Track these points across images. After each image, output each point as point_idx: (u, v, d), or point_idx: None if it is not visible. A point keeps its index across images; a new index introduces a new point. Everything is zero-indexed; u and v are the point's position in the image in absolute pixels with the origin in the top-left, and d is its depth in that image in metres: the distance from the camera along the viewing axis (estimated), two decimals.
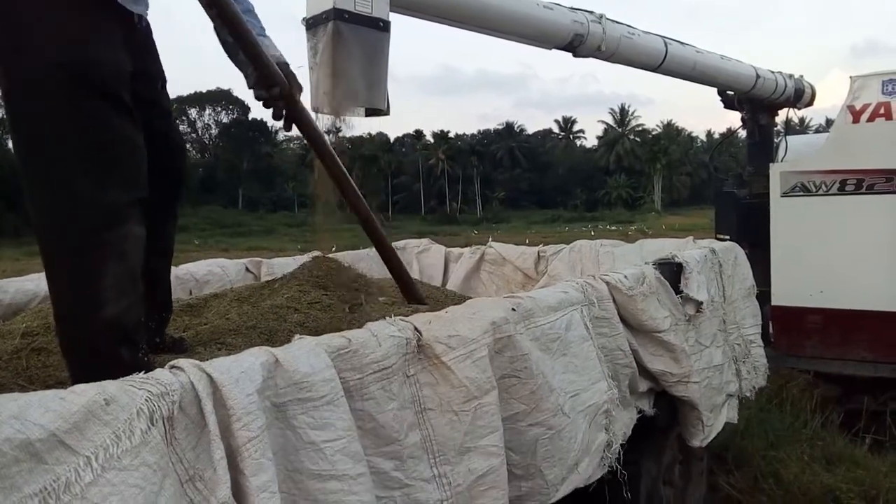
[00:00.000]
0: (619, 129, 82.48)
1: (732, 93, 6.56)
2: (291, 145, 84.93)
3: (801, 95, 6.34)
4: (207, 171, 74.09)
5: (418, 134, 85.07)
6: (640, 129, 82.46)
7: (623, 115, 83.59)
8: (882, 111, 5.13)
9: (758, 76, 5.58)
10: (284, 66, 2.21)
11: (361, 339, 1.58)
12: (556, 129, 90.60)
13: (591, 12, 3.95)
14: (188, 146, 78.12)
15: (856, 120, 5.23)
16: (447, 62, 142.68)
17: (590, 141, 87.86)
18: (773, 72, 5.86)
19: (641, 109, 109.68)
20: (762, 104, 6.30)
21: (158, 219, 1.99)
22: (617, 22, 4.15)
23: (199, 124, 78.47)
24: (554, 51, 3.93)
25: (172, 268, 3.90)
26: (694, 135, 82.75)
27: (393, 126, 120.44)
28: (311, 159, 2.60)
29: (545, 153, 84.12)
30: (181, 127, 77.36)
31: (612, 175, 76.83)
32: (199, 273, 3.73)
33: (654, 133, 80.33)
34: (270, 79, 2.12)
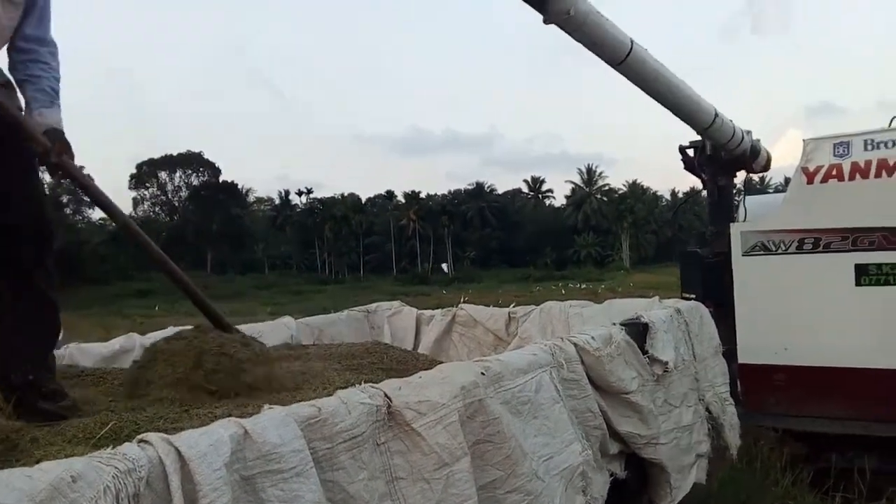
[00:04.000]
0: (587, 189, 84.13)
1: (692, 152, 6.80)
2: (262, 207, 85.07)
3: (757, 154, 6.58)
4: (176, 233, 73.43)
5: (389, 194, 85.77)
6: (607, 188, 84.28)
7: (590, 174, 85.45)
8: (835, 173, 5.32)
9: (717, 114, 5.76)
10: (53, 132, 2.38)
11: (331, 407, 1.58)
12: (525, 189, 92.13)
13: None
14: (157, 209, 77.76)
15: (810, 181, 5.41)
16: (416, 123, 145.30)
17: (558, 200, 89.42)
18: (731, 121, 6.08)
19: (607, 169, 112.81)
20: (721, 163, 6.52)
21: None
22: None
23: (169, 187, 78.18)
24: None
25: (137, 337, 3.86)
26: (658, 194, 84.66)
27: (364, 186, 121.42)
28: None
29: (515, 212, 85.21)
30: (150, 190, 77.30)
31: (581, 234, 77.97)
32: None
33: (619, 192, 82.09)
34: (38, 146, 2.33)
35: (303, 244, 79.48)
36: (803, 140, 5.55)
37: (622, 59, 4.69)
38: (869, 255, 5.10)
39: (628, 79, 4.97)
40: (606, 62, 4.73)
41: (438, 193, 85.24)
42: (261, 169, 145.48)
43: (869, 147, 5.20)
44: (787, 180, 5.72)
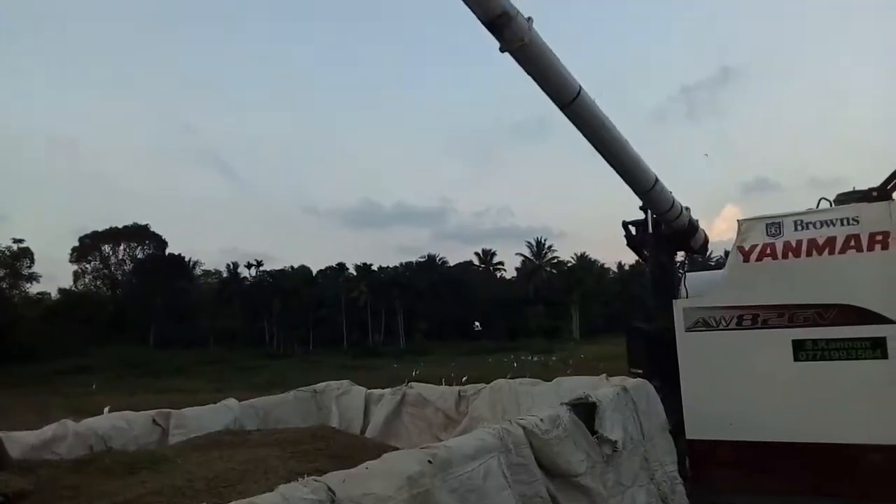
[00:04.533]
0: (536, 261, 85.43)
1: (635, 230, 7.03)
2: (209, 280, 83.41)
3: (695, 230, 6.83)
4: (118, 307, 71.19)
5: (341, 266, 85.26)
6: (556, 260, 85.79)
7: (539, 247, 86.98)
8: (768, 251, 5.56)
9: (657, 180, 5.97)
10: None
11: None
12: (476, 261, 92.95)
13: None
14: (99, 283, 75.46)
15: (746, 259, 5.63)
16: (368, 196, 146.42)
17: (509, 272, 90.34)
18: (671, 192, 6.31)
19: (556, 242, 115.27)
20: (662, 240, 6.74)
21: None
22: None
23: (112, 260, 76.20)
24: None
25: (71, 424, 3.69)
26: (606, 266, 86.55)
27: (315, 259, 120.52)
28: None
29: (467, 284, 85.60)
30: (93, 263, 75.12)
31: (532, 305, 78.60)
32: (102, 428, 3.53)
33: (569, 265, 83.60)
34: None
35: (250, 318, 77.77)
36: (738, 220, 5.80)
37: (571, 99, 4.87)
38: (805, 332, 5.28)
39: (575, 124, 5.12)
40: (555, 101, 4.91)
41: (390, 266, 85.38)
42: (209, 242, 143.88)
43: (799, 227, 5.46)
44: (727, 254, 5.94)
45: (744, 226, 5.72)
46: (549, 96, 4.83)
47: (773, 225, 5.60)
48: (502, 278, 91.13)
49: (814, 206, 5.73)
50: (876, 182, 5.61)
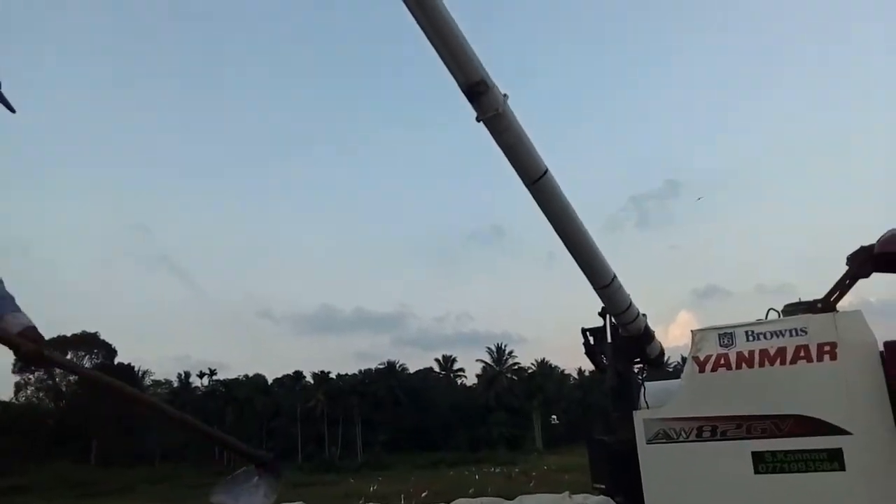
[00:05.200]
0: (497, 368, 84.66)
1: (592, 338, 7.09)
2: (159, 390, 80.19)
3: (651, 338, 6.92)
4: (60, 421, 67.56)
5: (297, 375, 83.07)
6: (517, 367, 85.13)
7: (500, 353, 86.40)
8: (722, 362, 5.62)
9: (615, 276, 6.04)
10: (33, 330, 2.66)
11: None
12: (436, 368, 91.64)
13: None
14: (41, 394, 71.90)
15: (702, 370, 5.68)
16: (326, 302, 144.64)
17: (470, 379, 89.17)
18: (629, 294, 6.42)
19: (516, 347, 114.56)
20: (620, 347, 6.79)
21: None
22: None
23: (57, 370, 72.98)
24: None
25: None
26: (566, 372, 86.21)
27: (271, 367, 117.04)
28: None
29: (427, 392, 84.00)
30: (37, 374, 71.80)
31: (493, 412, 77.20)
32: None
33: (529, 371, 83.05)
34: (24, 347, 2.58)
35: None
36: (692, 330, 5.89)
37: (538, 177, 5.13)
38: (763, 443, 5.28)
39: (539, 204, 5.36)
40: (522, 177, 5.16)
41: (348, 373, 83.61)
42: (162, 349, 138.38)
43: (750, 338, 5.57)
44: (685, 360, 5.99)
45: (697, 336, 5.80)
46: (518, 171, 5.15)
47: (726, 335, 5.69)
48: (463, 385, 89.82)
49: (762, 313, 5.88)
50: (819, 290, 5.81)
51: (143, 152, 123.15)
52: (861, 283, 5.68)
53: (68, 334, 72.43)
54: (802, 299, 5.88)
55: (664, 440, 5.64)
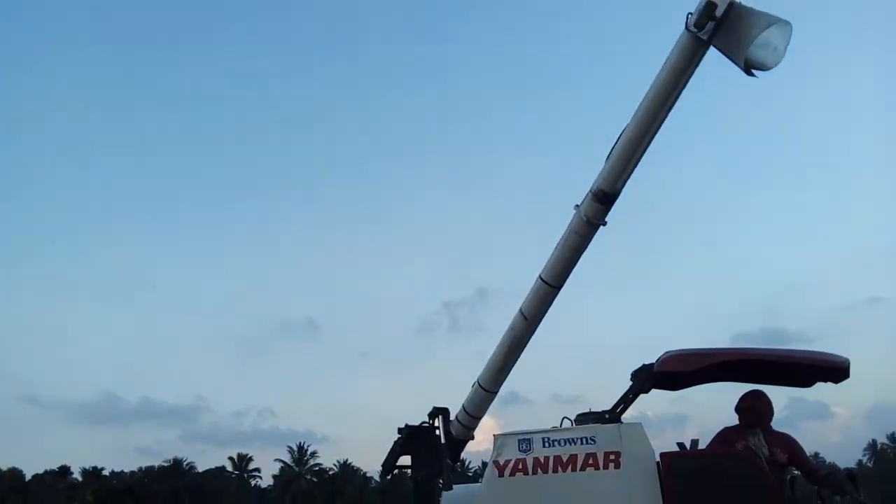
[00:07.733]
0: (296, 469, 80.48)
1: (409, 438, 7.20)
2: None
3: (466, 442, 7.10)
4: None
5: (63, 470, 73.02)
6: (318, 468, 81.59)
7: (301, 453, 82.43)
8: (521, 467, 5.81)
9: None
10: None
11: None
12: (229, 467, 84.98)
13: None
14: None
15: (501, 474, 5.82)
16: (108, 388, 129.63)
17: (266, 480, 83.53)
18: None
19: (319, 447, 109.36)
20: (422, 453, 6.86)
21: None
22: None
23: None
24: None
25: None
26: (369, 475, 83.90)
27: (33, 460, 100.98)
28: None
29: (216, 494, 77.23)
30: None
31: None
32: None
33: (331, 472, 79.87)
34: None
35: None
36: (494, 435, 6.07)
37: (559, 284, 6.25)
38: None
39: (529, 304, 6.46)
40: (551, 276, 6.24)
41: (126, 471, 75.04)
42: None
43: (546, 444, 5.84)
44: (486, 465, 6.13)
45: (499, 441, 5.96)
46: (555, 269, 6.24)
47: (525, 441, 5.91)
48: (257, 486, 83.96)
49: (558, 422, 6.23)
50: (607, 402, 6.31)
51: None
52: (642, 397, 6.25)
53: None
54: (593, 409, 6.32)
55: None
